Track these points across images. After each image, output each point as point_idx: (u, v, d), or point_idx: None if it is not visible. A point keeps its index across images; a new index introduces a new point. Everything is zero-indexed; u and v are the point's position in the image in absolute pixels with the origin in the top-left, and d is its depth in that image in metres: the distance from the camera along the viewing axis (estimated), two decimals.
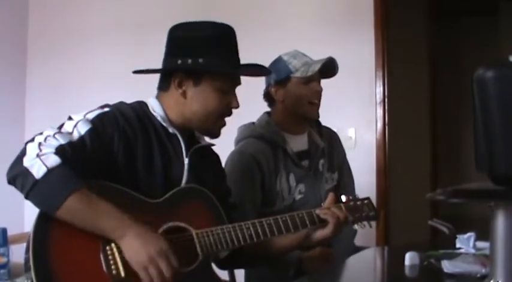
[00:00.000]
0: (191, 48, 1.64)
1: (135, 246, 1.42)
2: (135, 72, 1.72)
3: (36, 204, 1.42)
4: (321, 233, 1.74)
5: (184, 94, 1.66)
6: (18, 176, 1.41)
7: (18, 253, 1.81)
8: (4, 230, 2.15)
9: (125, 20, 3.90)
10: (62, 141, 1.45)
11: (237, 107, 1.70)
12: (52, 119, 1.65)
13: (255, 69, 1.77)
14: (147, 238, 1.43)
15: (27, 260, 1.39)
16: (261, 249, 1.77)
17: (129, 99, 1.70)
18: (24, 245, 1.42)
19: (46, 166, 1.39)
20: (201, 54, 1.63)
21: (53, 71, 4.08)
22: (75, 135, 1.49)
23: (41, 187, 1.39)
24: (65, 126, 1.52)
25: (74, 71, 4.00)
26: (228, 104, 1.68)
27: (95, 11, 4.00)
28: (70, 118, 1.54)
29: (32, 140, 1.47)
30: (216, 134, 1.73)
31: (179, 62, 1.64)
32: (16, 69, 4.14)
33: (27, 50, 4.19)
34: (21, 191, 1.42)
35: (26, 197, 1.41)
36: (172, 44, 1.69)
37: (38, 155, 1.41)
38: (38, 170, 1.38)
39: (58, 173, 1.39)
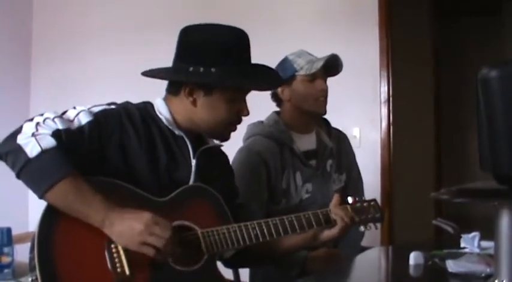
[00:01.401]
0: (203, 55, 1.61)
1: (124, 232, 1.41)
2: (144, 74, 1.67)
3: (26, 182, 1.41)
4: (327, 234, 1.73)
5: (194, 102, 1.64)
6: (10, 152, 1.41)
7: (22, 253, 1.82)
8: (9, 230, 2.16)
9: (125, 20, 3.92)
10: (60, 126, 1.45)
11: (247, 115, 1.69)
12: None
13: (265, 80, 1.75)
14: (130, 218, 1.42)
15: (31, 259, 1.39)
16: (267, 249, 1.76)
17: (132, 99, 1.69)
18: (29, 244, 1.42)
19: (40, 146, 1.38)
20: (214, 63, 1.60)
21: (57, 72, 4.09)
22: (75, 124, 1.48)
23: (34, 166, 1.38)
24: (67, 113, 1.52)
25: (78, 72, 4.02)
26: (238, 113, 1.67)
27: (95, 13, 4.01)
28: (74, 107, 1.54)
29: (31, 119, 1.46)
30: (225, 138, 1.72)
31: (191, 69, 1.61)
32: (21, 71, 4.15)
33: (31, 52, 4.21)
34: (12, 167, 1.41)
35: (17, 175, 1.40)
36: (184, 48, 1.65)
37: (33, 134, 1.40)
38: (31, 149, 1.38)
39: (52, 155, 1.39)
